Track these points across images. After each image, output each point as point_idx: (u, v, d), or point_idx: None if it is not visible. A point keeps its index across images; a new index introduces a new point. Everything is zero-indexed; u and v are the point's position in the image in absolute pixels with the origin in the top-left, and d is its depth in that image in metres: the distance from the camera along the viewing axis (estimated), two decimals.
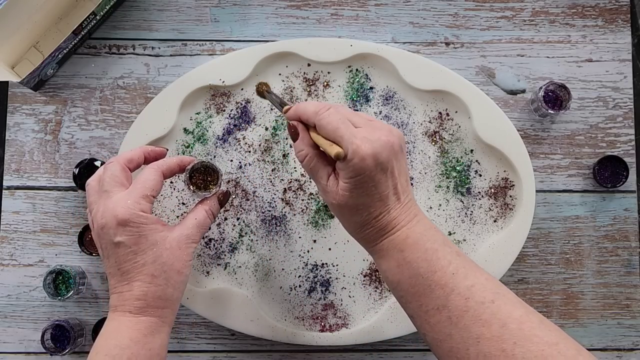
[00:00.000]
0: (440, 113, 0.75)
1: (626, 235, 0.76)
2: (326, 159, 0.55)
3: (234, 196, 0.74)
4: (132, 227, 0.56)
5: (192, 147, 0.74)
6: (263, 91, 0.67)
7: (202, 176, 0.64)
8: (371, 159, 0.50)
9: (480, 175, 0.74)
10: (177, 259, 0.57)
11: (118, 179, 0.58)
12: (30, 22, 0.71)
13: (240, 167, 0.74)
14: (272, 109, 0.75)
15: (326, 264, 0.73)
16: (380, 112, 0.75)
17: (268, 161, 0.74)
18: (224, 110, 0.75)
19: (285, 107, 0.59)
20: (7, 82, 0.76)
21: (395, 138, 0.52)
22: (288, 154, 0.74)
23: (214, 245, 0.74)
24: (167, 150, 0.66)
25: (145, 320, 0.56)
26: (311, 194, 0.74)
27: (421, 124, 0.75)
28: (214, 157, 0.74)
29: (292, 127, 0.56)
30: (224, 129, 0.75)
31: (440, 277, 0.50)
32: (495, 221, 0.74)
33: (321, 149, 0.55)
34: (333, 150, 0.51)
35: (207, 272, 0.74)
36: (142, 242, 0.56)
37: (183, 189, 0.74)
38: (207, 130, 0.74)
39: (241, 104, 0.75)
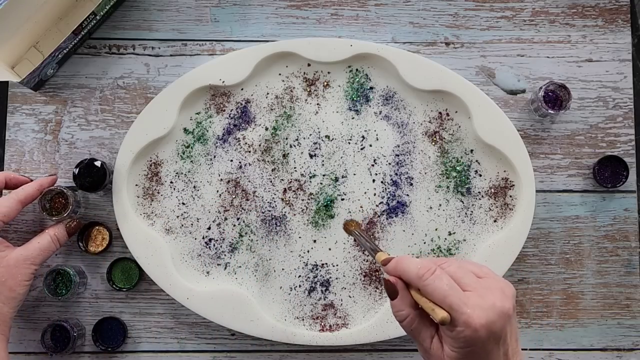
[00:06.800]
0: (440, 113, 0.75)
1: (626, 235, 0.76)
2: (429, 319, 0.51)
3: (233, 196, 0.74)
4: None
5: (192, 147, 0.74)
6: (352, 230, 0.70)
7: (63, 200, 0.70)
8: (484, 330, 0.46)
9: (480, 175, 0.74)
10: (12, 276, 0.65)
11: None
12: (30, 22, 0.71)
13: (240, 167, 0.74)
14: (272, 109, 0.75)
15: (326, 264, 0.73)
16: (380, 112, 0.75)
17: (268, 161, 0.74)
18: (224, 110, 0.75)
19: (383, 258, 0.55)
20: (7, 82, 0.76)
21: (509, 301, 0.48)
22: (288, 154, 0.74)
23: (214, 245, 0.74)
24: (31, 179, 0.71)
25: None
26: (311, 194, 0.74)
27: (421, 124, 0.75)
28: (214, 157, 0.74)
29: (390, 285, 0.52)
30: (224, 129, 0.75)
31: None
32: (495, 221, 0.74)
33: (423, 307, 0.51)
34: (438, 314, 0.48)
35: (207, 272, 0.74)
36: None
37: (183, 189, 0.74)
38: (207, 130, 0.74)
39: (241, 104, 0.75)
